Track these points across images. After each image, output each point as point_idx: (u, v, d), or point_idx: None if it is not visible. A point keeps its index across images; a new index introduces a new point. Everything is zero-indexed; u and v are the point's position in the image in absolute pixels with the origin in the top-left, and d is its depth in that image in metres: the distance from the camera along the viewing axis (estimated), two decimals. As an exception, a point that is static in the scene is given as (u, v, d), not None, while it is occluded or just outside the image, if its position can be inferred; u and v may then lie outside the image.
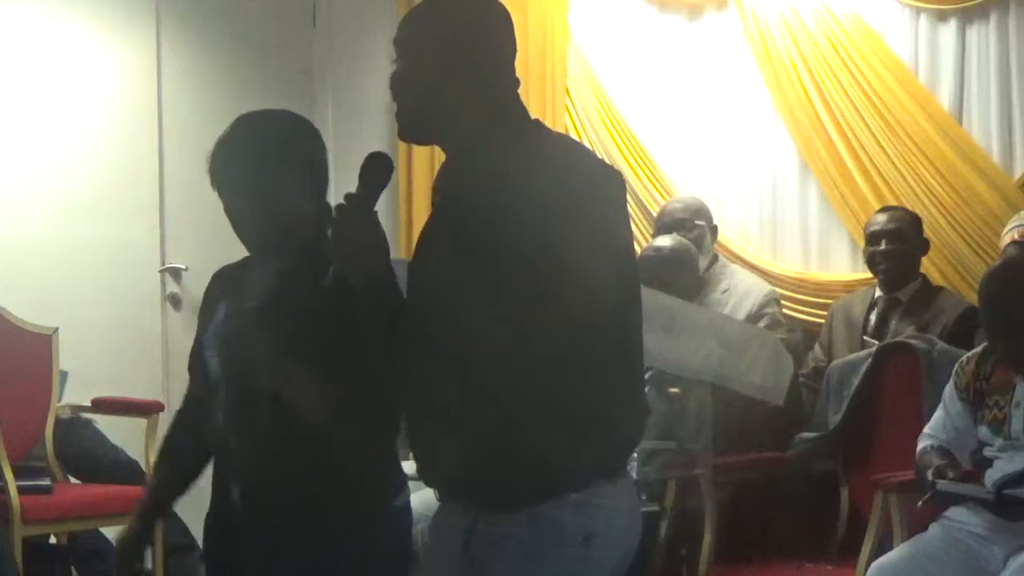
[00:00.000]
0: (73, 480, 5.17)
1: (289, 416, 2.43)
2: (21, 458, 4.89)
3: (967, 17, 5.43)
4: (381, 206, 2.25)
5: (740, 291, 5.14)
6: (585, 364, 2.17)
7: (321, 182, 2.61)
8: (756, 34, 5.66)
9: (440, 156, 2.43)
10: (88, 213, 5.81)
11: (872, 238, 4.93)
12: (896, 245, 4.87)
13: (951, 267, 5.33)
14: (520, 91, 2.36)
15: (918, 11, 5.49)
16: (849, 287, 5.44)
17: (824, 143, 5.55)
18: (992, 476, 3.71)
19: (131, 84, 5.93)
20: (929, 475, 3.70)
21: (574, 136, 5.59)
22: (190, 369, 2.75)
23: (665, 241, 4.98)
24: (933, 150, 5.37)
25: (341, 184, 2.60)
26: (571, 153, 2.32)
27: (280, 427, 2.47)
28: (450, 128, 2.30)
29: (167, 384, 5.78)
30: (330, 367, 2.37)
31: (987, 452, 3.78)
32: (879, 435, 4.44)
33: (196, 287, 5.87)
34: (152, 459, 4.97)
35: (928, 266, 5.15)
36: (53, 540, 5.11)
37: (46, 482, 4.84)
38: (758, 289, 5.17)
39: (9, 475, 4.63)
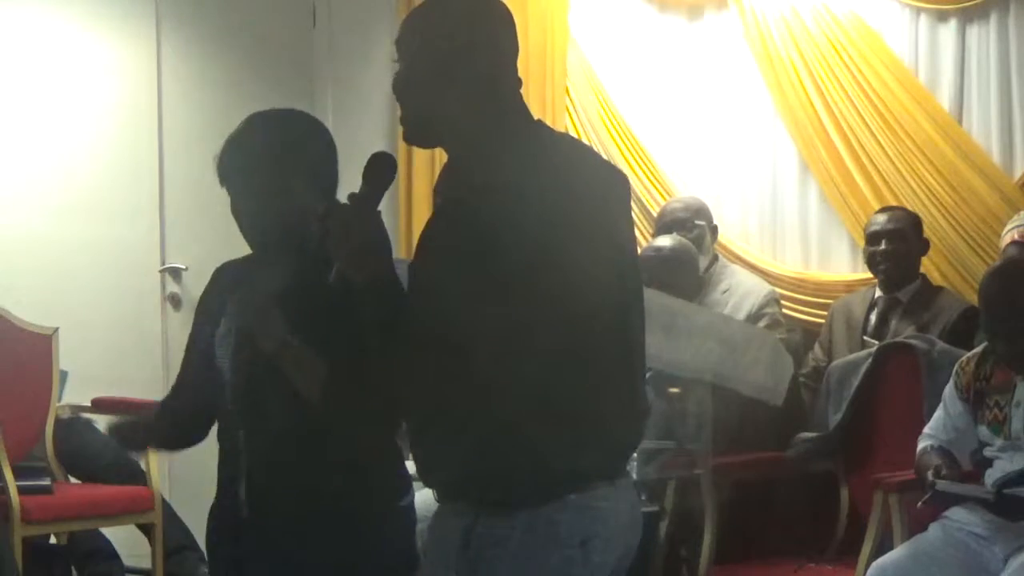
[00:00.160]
0: (73, 480, 5.17)
1: (299, 415, 2.43)
2: (21, 458, 4.88)
3: (967, 17, 5.44)
4: (381, 206, 2.25)
5: (740, 291, 5.14)
6: (585, 365, 2.17)
7: (329, 181, 2.61)
8: (756, 34, 5.66)
9: (441, 157, 2.43)
10: (88, 213, 5.81)
11: (872, 238, 4.93)
12: (896, 245, 4.87)
13: (951, 267, 5.33)
14: (521, 91, 2.36)
15: (918, 11, 5.50)
16: (849, 287, 5.44)
17: (824, 143, 5.56)
18: (992, 476, 3.71)
19: (131, 84, 5.93)
20: (929, 475, 3.70)
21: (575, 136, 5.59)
22: (185, 360, 2.74)
23: (665, 241, 4.98)
24: (933, 150, 5.37)
25: (341, 184, 2.61)
26: (574, 154, 2.32)
27: (290, 426, 2.47)
28: (453, 130, 2.29)
29: (167, 384, 5.74)
30: (332, 365, 2.38)
31: (987, 452, 3.78)
32: (879, 435, 4.44)
33: (196, 287, 5.86)
34: (152, 459, 4.99)
35: (928, 266, 5.15)
36: (53, 540, 5.11)
37: (46, 482, 4.84)
38: (758, 289, 5.17)
39: (9, 475, 4.63)
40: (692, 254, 5.01)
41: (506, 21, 2.34)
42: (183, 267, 5.89)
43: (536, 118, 2.36)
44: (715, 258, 5.29)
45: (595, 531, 2.21)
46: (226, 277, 2.74)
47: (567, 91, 5.83)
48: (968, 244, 5.32)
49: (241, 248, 2.76)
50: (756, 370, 4.47)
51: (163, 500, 5.03)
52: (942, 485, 3.65)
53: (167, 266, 5.91)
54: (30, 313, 5.22)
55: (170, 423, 2.76)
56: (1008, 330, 3.68)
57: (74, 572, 5.16)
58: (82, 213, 5.80)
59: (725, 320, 4.78)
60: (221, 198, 2.75)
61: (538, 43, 5.74)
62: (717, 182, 5.77)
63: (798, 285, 5.61)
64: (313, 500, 2.51)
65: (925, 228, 5.03)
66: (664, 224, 5.23)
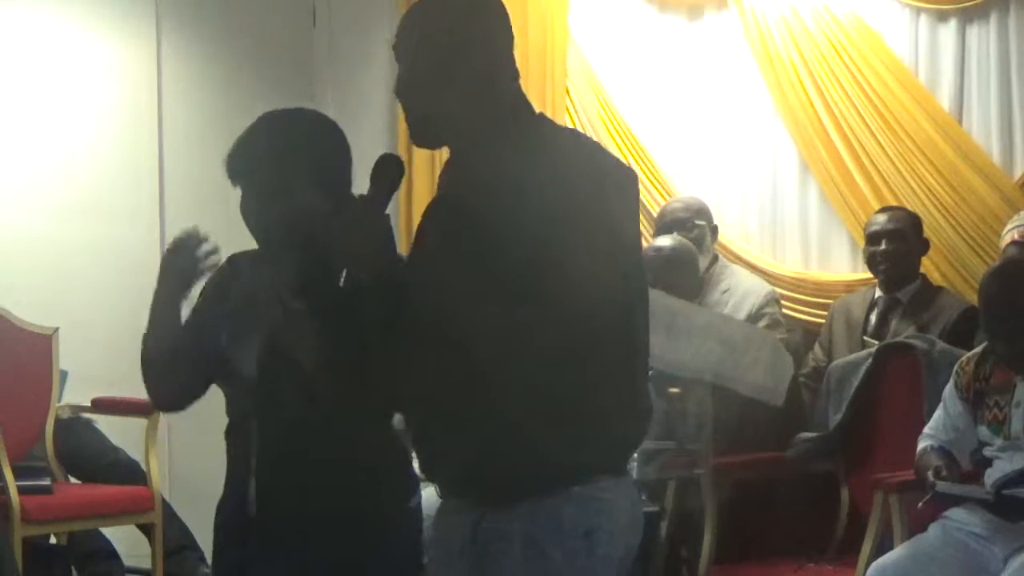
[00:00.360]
0: (73, 480, 5.17)
1: (310, 412, 2.42)
2: (21, 458, 4.88)
3: (967, 17, 5.44)
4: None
5: (740, 291, 5.14)
6: (585, 362, 2.17)
7: (338, 181, 2.61)
8: (756, 34, 5.66)
9: (442, 157, 2.43)
10: (88, 213, 5.81)
11: (872, 238, 4.93)
12: (896, 245, 4.87)
13: (951, 267, 5.33)
14: (519, 84, 2.35)
15: (918, 11, 5.50)
16: (849, 287, 5.44)
17: (824, 143, 5.56)
18: (992, 476, 3.71)
19: (131, 84, 5.93)
20: (929, 475, 3.70)
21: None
22: (186, 327, 2.73)
23: (665, 241, 4.98)
24: (933, 150, 5.37)
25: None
26: (575, 149, 2.31)
27: (300, 424, 2.47)
28: (456, 127, 2.29)
29: (167, 384, 5.77)
30: (335, 362, 2.38)
31: (987, 452, 3.78)
32: (879, 435, 4.44)
33: (196, 287, 5.88)
34: (152, 459, 4.99)
35: (928, 266, 5.15)
36: (53, 540, 5.11)
37: (46, 482, 4.84)
38: (758, 289, 5.17)
39: (9, 475, 4.63)
40: (692, 254, 5.01)
41: (500, 14, 2.35)
42: (183, 267, 5.88)
43: (538, 111, 2.36)
44: (715, 258, 5.29)
45: (599, 523, 2.22)
46: (235, 269, 2.73)
47: (567, 91, 5.83)
48: (968, 244, 5.32)
49: (241, 248, 2.76)
50: (756, 370, 4.47)
51: (163, 500, 5.03)
52: (942, 486, 3.65)
53: (167, 266, 5.90)
54: (30, 313, 5.21)
55: (178, 356, 2.72)
56: (1008, 330, 3.68)
57: (74, 572, 5.16)
58: (82, 213, 5.80)
59: (725, 320, 4.78)
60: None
61: (538, 43, 5.74)
62: (717, 182, 5.77)
63: (798, 285, 5.61)
64: (321, 500, 2.51)
65: (925, 228, 5.03)
66: (664, 224, 5.23)
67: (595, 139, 5.67)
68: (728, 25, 5.78)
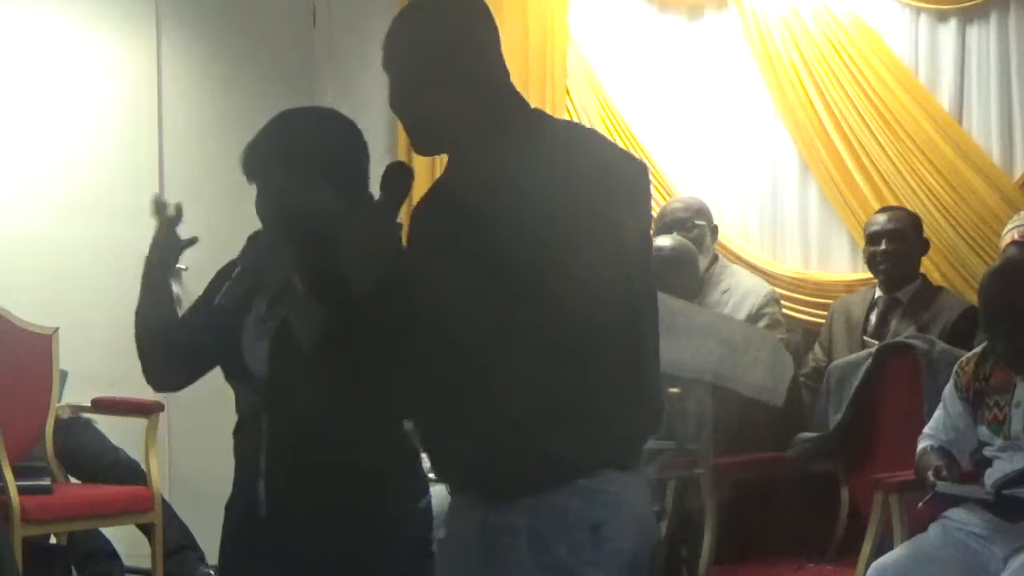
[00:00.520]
0: (73, 480, 5.17)
1: (319, 411, 2.43)
2: (21, 458, 4.88)
3: (967, 17, 5.44)
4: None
5: (740, 291, 5.14)
6: (586, 358, 2.17)
7: (355, 180, 2.62)
8: (756, 34, 5.66)
9: (442, 159, 2.43)
10: (88, 213, 5.81)
11: (872, 238, 4.93)
12: (896, 245, 4.87)
13: (951, 267, 5.33)
14: (520, 91, 2.36)
15: (918, 11, 5.50)
16: (849, 287, 5.44)
17: (824, 143, 5.56)
18: (992, 476, 3.71)
19: (131, 84, 5.93)
20: (929, 475, 3.70)
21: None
22: (191, 308, 2.78)
23: (665, 241, 4.98)
24: (933, 150, 5.37)
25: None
26: (575, 144, 2.30)
27: (312, 423, 2.47)
28: (453, 131, 2.30)
29: (167, 384, 5.77)
30: (350, 364, 2.38)
31: (987, 452, 3.78)
32: (879, 435, 4.44)
33: (196, 287, 5.86)
34: (152, 459, 4.99)
35: (928, 266, 5.15)
36: (53, 540, 5.11)
37: (46, 482, 4.84)
38: (758, 289, 5.17)
39: (9, 475, 4.63)
40: (692, 254, 5.01)
41: (482, 13, 2.34)
42: (183, 267, 5.86)
43: (534, 108, 2.36)
44: (715, 258, 5.29)
45: (606, 516, 2.21)
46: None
47: (567, 91, 5.83)
48: (968, 244, 5.32)
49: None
50: (756, 370, 4.47)
51: (163, 500, 5.03)
52: (942, 487, 3.65)
53: (167, 266, 5.90)
54: (30, 313, 5.21)
55: (173, 336, 2.78)
56: (1008, 330, 3.68)
57: (74, 572, 5.16)
58: (82, 213, 5.80)
59: (725, 320, 4.78)
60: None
61: (538, 43, 5.74)
62: (717, 182, 5.77)
63: (798, 285, 5.61)
64: (330, 500, 2.51)
65: (925, 228, 5.03)
66: (664, 224, 5.23)
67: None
68: (728, 25, 5.78)
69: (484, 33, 2.33)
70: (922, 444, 3.89)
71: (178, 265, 6.04)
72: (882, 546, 3.96)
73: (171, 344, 2.73)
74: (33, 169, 5.76)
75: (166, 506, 5.07)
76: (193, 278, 5.84)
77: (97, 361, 5.56)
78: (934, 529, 3.78)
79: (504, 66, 2.34)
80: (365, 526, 2.52)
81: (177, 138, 5.92)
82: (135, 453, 5.16)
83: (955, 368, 3.92)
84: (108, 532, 5.16)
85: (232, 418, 2.79)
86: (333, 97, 5.91)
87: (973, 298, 4.48)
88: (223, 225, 6.16)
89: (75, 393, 5.33)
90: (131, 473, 5.09)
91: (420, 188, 6.23)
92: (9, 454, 4.67)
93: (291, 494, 2.54)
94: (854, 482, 4.46)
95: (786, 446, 4.57)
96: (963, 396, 3.84)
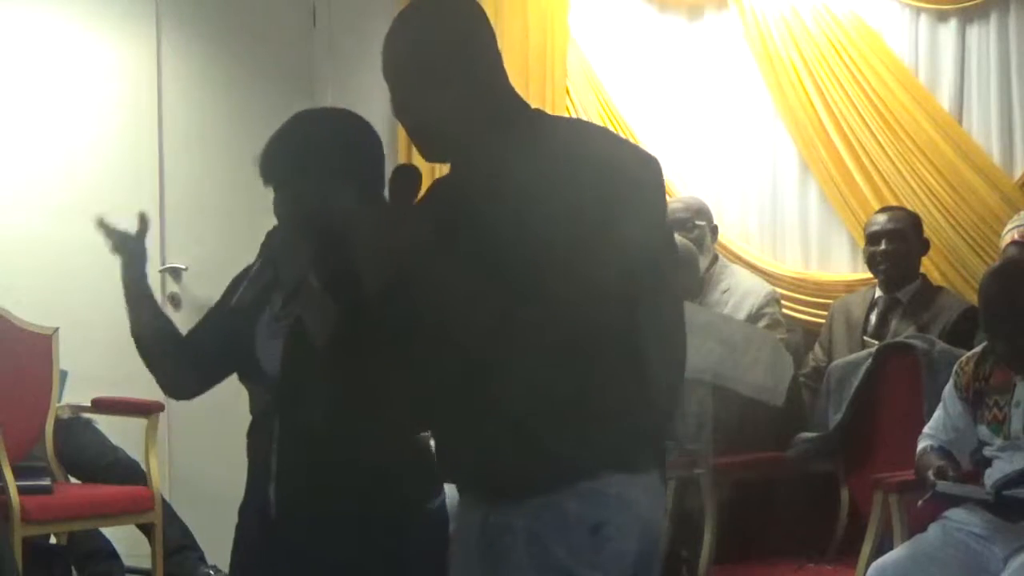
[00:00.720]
0: (73, 480, 5.17)
1: (335, 414, 2.43)
2: (21, 458, 4.88)
3: (967, 17, 5.44)
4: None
5: (740, 291, 5.14)
6: (587, 359, 2.17)
7: (370, 182, 2.62)
8: (756, 34, 5.66)
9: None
10: (88, 213, 5.77)
11: (872, 238, 4.93)
12: (896, 245, 4.87)
13: (951, 267, 5.33)
14: (520, 91, 2.35)
15: (918, 11, 5.50)
16: (849, 287, 5.44)
17: (824, 143, 5.56)
18: (992, 476, 3.71)
19: (131, 84, 5.93)
20: (930, 475, 3.70)
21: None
22: (207, 314, 2.75)
23: (665, 241, 4.97)
24: (933, 150, 5.37)
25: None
26: (576, 143, 2.29)
27: (325, 425, 2.47)
28: (456, 137, 2.29)
29: (167, 384, 5.77)
30: (361, 364, 2.38)
31: (987, 452, 3.78)
32: (879, 435, 4.44)
33: (196, 287, 5.88)
34: (152, 459, 4.99)
35: (928, 266, 5.15)
36: (53, 540, 5.11)
37: (46, 482, 4.84)
38: (758, 289, 5.17)
39: (9, 475, 4.63)
40: (692, 254, 5.00)
41: (479, 17, 2.34)
42: (183, 267, 5.89)
43: (536, 108, 2.35)
44: (715, 258, 5.29)
45: (608, 517, 2.19)
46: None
47: (567, 91, 5.83)
48: (968, 244, 5.32)
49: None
50: (756, 370, 4.46)
51: (163, 500, 5.03)
52: (942, 486, 3.65)
53: (167, 266, 5.90)
54: (30, 313, 5.22)
55: (176, 341, 2.75)
56: (1008, 330, 3.68)
57: (74, 572, 5.16)
58: (82, 213, 5.76)
59: (725, 320, 4.78)
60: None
61: (538, 43, 5.74)
62: (717, 182, 5.77)
63: (798, 285, 5.61)
64: (342, 501, 2.51)
65: (925, 228, 5.03)
66: (664, 224, 5.22)
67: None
68: (728, 25, 5.78)
69: (481, 36, 2.32)
70: (922, 444, 3.89)
71: (178, 265, 6.06)
72: (882, 546, 3.96)
73: (177, 351, 2.72)
74: (33, 169, 5.76)
75: (166, 506, 5.07)
76: (193, 278, 5.86)
77: (97, 361, 5.56)
78: (934, 529, 3.78)
79: (503, 68, 2.33)
80: (377, 527, 2.52)
81: (177, 138, 5.92)
82: (135, 453, 5.17)
83: (955, 368, 3.92)
84: (108, 532, 5.16)
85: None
86: (333, 97, 5.92)
87: (973, 298, 4.48)
88: (223, 224, 6.18)
89: (75, 393, 5.33)
90: (131, 473, 5.10)
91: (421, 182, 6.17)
92: (9, 454, 4.67)
93: (302, 495, 2.54)
94: (854, 482, 4.46)
95: (786, 446, 4.57)
96: (963, 396, 3.85)
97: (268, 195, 2.73)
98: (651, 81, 5.88)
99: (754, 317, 5.03)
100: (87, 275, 5.75)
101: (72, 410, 5.25)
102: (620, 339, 2.20)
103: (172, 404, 5.46)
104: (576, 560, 2.19)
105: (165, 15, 5.95)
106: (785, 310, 5.34)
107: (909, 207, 5.19)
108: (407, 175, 2.26)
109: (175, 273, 5.91)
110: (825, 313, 5.25)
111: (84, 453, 5.22)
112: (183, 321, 5.83)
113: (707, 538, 4.32)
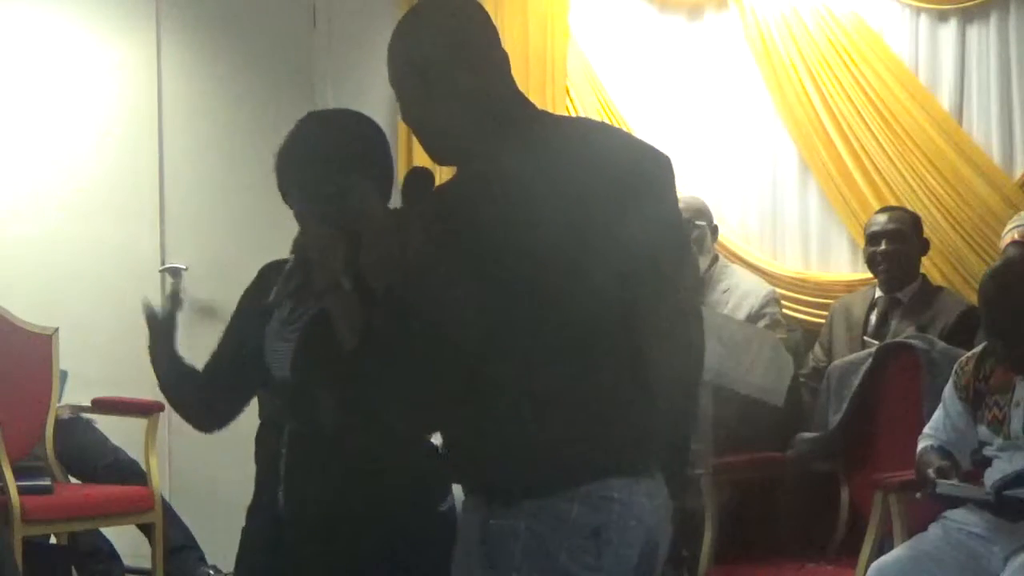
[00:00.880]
0: (73, 480, 5.17)
1: (350, 417, 2.42)
2: (21, 458, 4.89)
3: (967, 17, 5.43)
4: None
5: (740, 291, 5.14)
6: (594, 360, 2.17)
7: (388, 181, 2.62)
8: (756, 34, 5.66)
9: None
10: (88, 213, 5.82)
11: (872, 238, 4.93)
12: (896, 245, 4.87)
13: (951, 267, 5.33)
14: (512, 83, 2.35)
15: (918, 11, 5.49)
16: (849, 287, 5.44)
17: (824, 143, 5.55)
18: (992, 476, 3.71)
19: (131, 84, 5.93)
20: (930, 472, 3.70)
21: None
22: (220, 345, 2.74)
23: (665, 241, 4.97)
24: (933, 150, 5.37)
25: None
26: (584, 142, 2.28)
27: (338, 429, 2.47)
28: (461, 141, 2.29)
29: (167, 384, 5.77)
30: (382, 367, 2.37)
31: (987, 452, 3.78)
32: (879, 435, 4.45)
33: (196, 287, 5.88)
34: (152, 459, 4.99)
35: (928, 266, 5.15)
36: (53, 540, 5.11)
37: (46, 482, 4.85)
38: (758, 289, 5.17)
39: (9, 475, 4.63)
40: (693, 254, 5.01)
41: (481, 20, 2.34)
42: (183, 267, 5.89)
43: (541, 109, 2.35)
44: (715, 258, 5.29)
45: (608, 522, 2.19)
46: (275, 273, 2.72)
47: (567, 91, 5.83)
48: (968, 244, 5.31)
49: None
50: (756, 370, 4.47)
51: (163, 500, 5.03)
52: (942, 487, 3.65)
53: (167, 266, 5.90)
54: (30, 313, 5.22)
55: (196, 382, 2.73)
56: (1008, 330, 3.68)
57: (74, 572, 5.16)
58: (82, 213, 5.81)
59: (725, 320, 4.78)
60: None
61: (538, 43, 5.74)
62: (717, 182, 5.77)
63: (798, 285, 5.61)
64: (352, 505, 2.50)
65: (925, 228, 5.03)
66: (664, 224, 5.22)
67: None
68: (728, 25, 5.78)
69: (485, 39, 2.32)
70: (922, 444, 3.89)
71: (178, 265, 6.06)
72: (882, 546, 3.96)
73: (197, 393, 2.73)
74: (33, 169, 5.76)
75: (166, 506, 5.07)
76: (193, 278, 5.86)
77: (97, 361, 5.57)
78: (934, 529, 3.78)
79: (508, 69, 2.33)
80: (388, 530, 2.51)
81: (177, 138, 5.92)
82: (135, 453, 5.17)
83: (955, 368, 3.92)
84: (108, 532, 5.16)
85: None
86: (333, 97, 5.92)
87: (973, 298, 4.48)
88: (223, 225, 6.18)
89: (75, 393, 5.33)
90: (131, 473, 5.10)
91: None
92: (9, 454, 4.67)
93: (311, 499, 2.53)
94: (854, 482, 4.46)
95: (786, 446, 4.57)
96: (963, 396, 3.85)
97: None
98: (651, 81, 5.88)
99: (754, 317, 5.03)
100: (87, 275, 5.77)
101: (72, 410, 5.26)
102: (626, 340, 2.20)
103: (172, 404, 5.48)
104: (577, 564, 2.18)
105: (165, 15, 5.95)
106: (785, 310, 5.34)
107: (909, 207, 5.19)
108: (421, 177, 2.26)
109: (175, 273, 5.91)
110: (825, 313, 5.25)
111: (84, 453, 5.22)
112: (183, 321, 5.88)
113: (707, 538, 4.32)
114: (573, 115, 5.50)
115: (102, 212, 5.83)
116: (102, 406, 5.24)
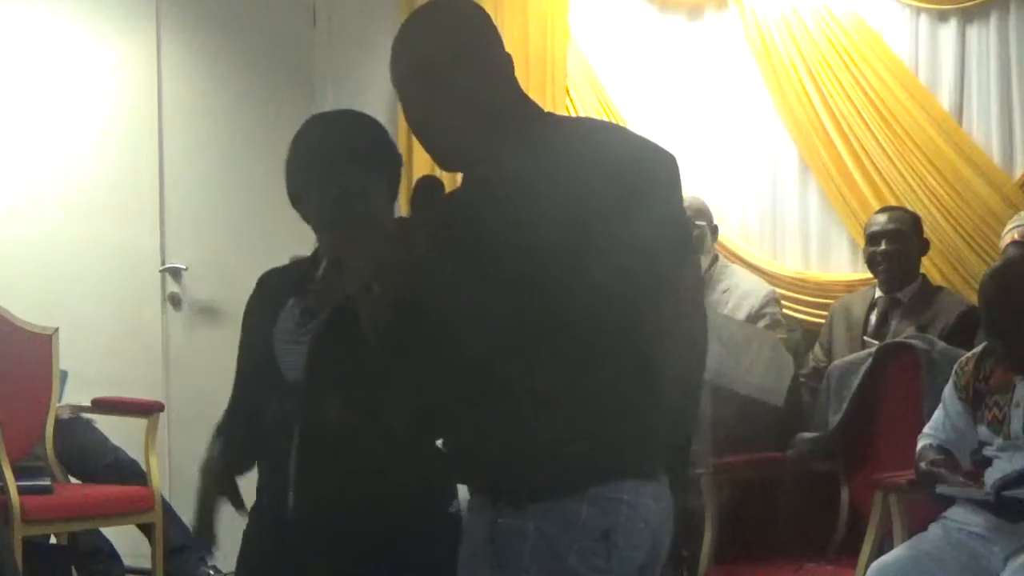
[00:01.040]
0: (73, 480, 5.17)
1: (362, 424, 2.42)
2: (21, 458, 4.89)
3: (967, 17, 5.43)
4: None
5: (740, 291, 5.14)
6: (604, 362, 2.17)
7: (395, 184, 2.62)
8: (756, 34, 5.66)
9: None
10: (88, 213, 5.82)
11: (872, 238, 4.93)
12: (896, 245, 4.87)
13: (951, 267, 5.33)
14: (515, 86, 2.34)
15: (918, 11, 5.49)
16: (849, 287, 5.44)
17: (824, 143, 5.55)
18: (992, 476, 3.71)
19: (131, 84, 5.93)
20: (922, 465, 3.71)
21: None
22: (241, 377, 2.70)
23: (665, 241, 4.96)
24: (933, 150, 5.37)
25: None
26: (588, 143, 2.28)
27: (351, 432, 2.46)
28: (474, 147, 2.29)
29: (167, 384, 5.78)
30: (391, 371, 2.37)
31: (987, 452, 3.78)
32: (879, 435, 4.45)
33: (196, 287, 5.89)
34: (152, 459, 4.99)
35: (928, 266, 5.15)
36: (53, 540, 5.11)
37: (46, 482, 4.85)
38: (758, 289, 5.18)
39: (9, 475, 4.63)
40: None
41: (483, 24, 2.34)
42: (183, 267, 5.89)
43: (548, 112, 2.35)
44: (715, 258, 5.29)
45: (618, 524, 2.19)
46: (275, 279, 2.71)
47: (567, 91, 5.84)
48: (968, 244, 5.31)
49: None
50: (756, 370, 4.47)
51: (163, 500, 5.03)
52: (941, 488, 3.66)
53: (167, 266, 5.91)
54: (30, 313, 5.22)
55: (241, 453, 2.68)
56: (1008, 330, 3.68)
57: (74, 572, 5.16)
58: (82, 213, 5.81)
59: (725, 320, 4.78)
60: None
61: (538, 43, 5.74)
62: (717, 182, 5.77)
63: (798, 285, 5.61)
64: (363, 507, 2.49)
65: (925, 228, 5.03)
66: (664, 224, 5.22)
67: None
68: (728, 25, 5.78)
69: (487, 42, 2.32)
70: (922, 443, 3.89)
71: (178, 265, 6.07)
72: (882, 546, 3.96)
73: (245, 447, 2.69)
74: (33, 169, 5.77)
75: (166, 506, 5.07)
76: (193, 278, 5.87)
77: (97, 361, 5.57)
78: (934, 529, 3.78)
79: (511, 71, 2.33)
80: (397, 532, 2.51)
81: (177, 138, 5.93)
82: (135, 453, 5.17)
83: (955, 368, 3.92)
84: (108, 532, 5.16)
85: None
86: (333, 97, 5.92)
87: (973, 298, 4.48)
88: (223, 225, 6.18)
89: (75, 393, 5.33)
90: (131, 473, 5.10)
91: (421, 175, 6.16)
92: (9, 454, 4.67)
93: (323, 500, 2.52)
94: (854, 482, 4.46)
95: (786, 446, 4.57)
96: (963, 396, 3.85)
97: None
98: (651, 81, 5.88)
99: (754, 317, 5.03)
100: (87, 275, 5.78)
101: (72, 410, 5.26)
102: (632, 341, 2.20)
103: (172, 404, 5.49)
104: (585, 565, 2.19)
105: (165, 15, 5.95)
106: (785, 310, 5.34)
107: (909, 207, 5.19)
108: (429, 186, 2.26)
109: (175, 273, 5.91)
110: (825, 313, 5.25)
111: (84, 453, 5.22)
112: (183, 321, 5.90)
113: (707, 538, 4.32)
114: (581, 116, 5.50)
115: (102, 212, 5.83)
116: (102, 406, 5.24)
